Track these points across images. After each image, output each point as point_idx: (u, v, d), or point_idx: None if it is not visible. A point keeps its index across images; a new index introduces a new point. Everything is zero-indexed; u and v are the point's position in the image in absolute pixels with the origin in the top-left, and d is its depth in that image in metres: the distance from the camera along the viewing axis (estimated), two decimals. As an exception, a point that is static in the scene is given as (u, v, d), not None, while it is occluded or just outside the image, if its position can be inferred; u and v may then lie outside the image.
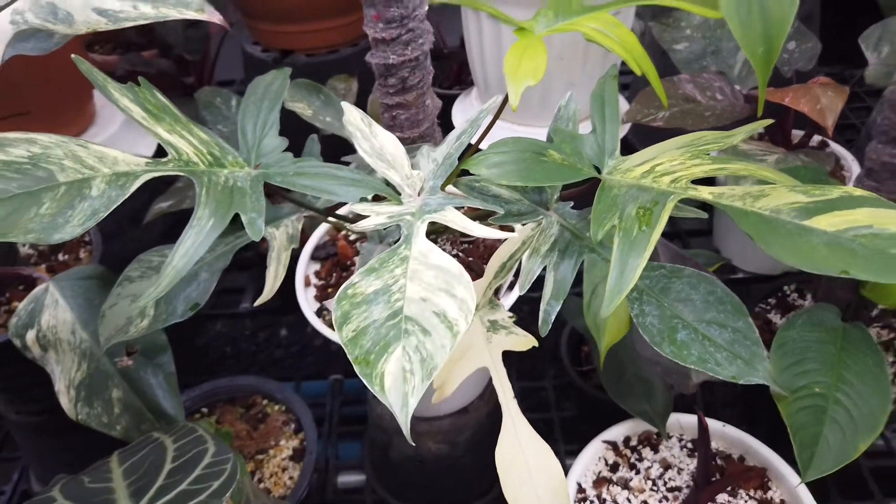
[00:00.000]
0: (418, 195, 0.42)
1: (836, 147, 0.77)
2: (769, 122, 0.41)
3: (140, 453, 0.44)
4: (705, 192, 0.37)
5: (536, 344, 0.48)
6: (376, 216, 0.39)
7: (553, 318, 0.42)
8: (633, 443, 0.64)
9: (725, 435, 0.62)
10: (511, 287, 0.57)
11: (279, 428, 0.70)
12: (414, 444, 0.68)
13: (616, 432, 0.64)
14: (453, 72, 0.95)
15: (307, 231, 0.66)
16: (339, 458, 0.83)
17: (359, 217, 0.40)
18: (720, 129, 0.65)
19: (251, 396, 0.74)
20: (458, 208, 0.40)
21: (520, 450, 0.47)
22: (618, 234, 0.36)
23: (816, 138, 0.78)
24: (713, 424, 0.62)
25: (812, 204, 0.34)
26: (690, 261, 0.54)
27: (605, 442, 0.63)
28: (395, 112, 0.52)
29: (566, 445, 0.79)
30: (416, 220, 0.39)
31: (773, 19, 0.28)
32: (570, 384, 0.80)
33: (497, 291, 0.55)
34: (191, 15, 0.42)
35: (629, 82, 1.09)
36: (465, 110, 0.78)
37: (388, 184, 0.42)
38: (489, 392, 0.71)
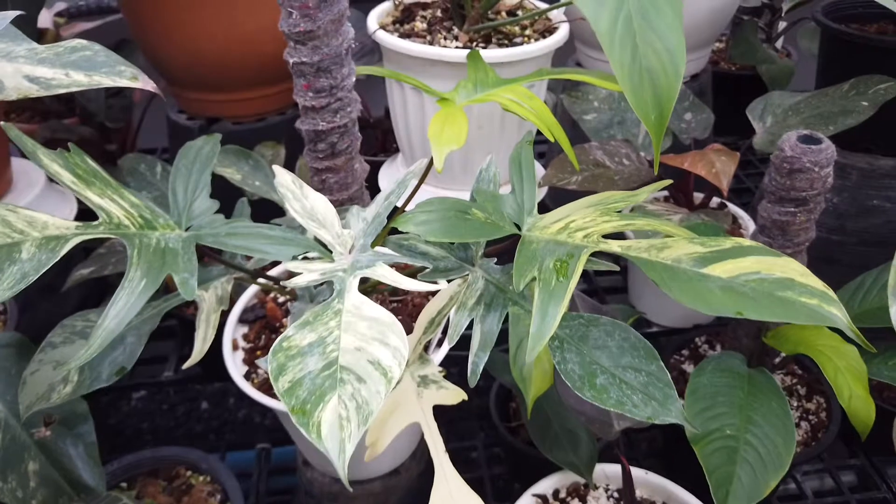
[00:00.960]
0: (349, 253, 0.44)
1: (733, 208, 0.84)
2: (669, 182, 0.45)
3: (60, 526, 0.43)
4: (615, 246, 0.40)
5: (465, 397, 0.50)
6: (309, 273, 0.41)
7: (481, 368, 0.44)
8: (562, 495, 0.65)
9: (648, 482, 0.64)
10: (440, 344, 0.58)
11: (204, 499, 0.68)
12: (345, 508, 0.67)
13: (545, 485, 0.65)
14: (378, 140, 0.99)
15: (234, 295, 0.66)
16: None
17: (292, 275, 0.41)
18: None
19: (174, 468, 0.71)
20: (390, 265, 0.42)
21: (451, 500, 0.47)
22: (538, 284, 0.38)
23: (716, 200, 0.85)
24: (637, 472, 0.64)
25: (708, 254, 0.37)
26: (608, 313, 0.58)
27: (534, 496, 0.64)
28: (324, 176, 0.54)
29: (497, 503, 0.80)
30: (348, 275, 0.40)
31: (662, 88, 0.32)
32: (500, 441, 0.81)
33: (427, 348, 0.57)
34: (124, 83, 0.43)
35: (545, 150, 1.16)
36: (391, 175, 0.81)
37: (319, 242, 0.44)
38: (420, 452, 0.71)
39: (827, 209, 0.85)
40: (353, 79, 0.51)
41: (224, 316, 0.61)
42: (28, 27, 0.72)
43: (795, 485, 0.80)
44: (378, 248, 0.46)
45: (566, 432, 0.65)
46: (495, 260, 0.49)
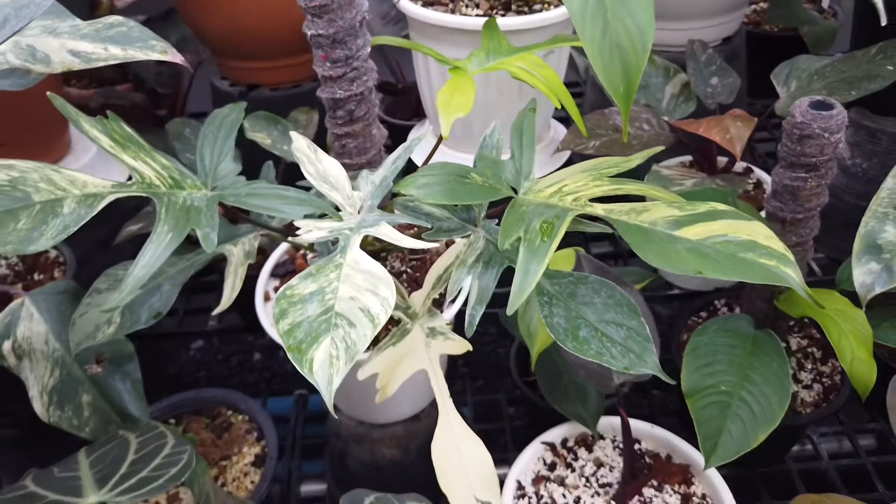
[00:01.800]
0: (358, 213, 0.48)
1: (759, 172, 0.84)
2: (660, 148, 0.47)
3: (105, 447, 0.49)
4: (599, 209, 0.43)
5: (470, 348, 0.54)
6: (318, 230, 0.45)
7: (477, 320, 0.48)
8: (570, 444, 0.69)
9: (654, 435, 0.67)
10: (454, 300, 0.62)
11: (242, 436, 0.75)
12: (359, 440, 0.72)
13: (554, 434, 0.69)
14: (412, 105, 1.02)
15: (268, 251, 0.71)
16: (303, 470, 0.87)
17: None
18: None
19: (216, 408, 0.78)
20: (394, 224, 0.46)
21: (454, 443, 0.51)
22: (523, 244, 0.41)
23: (742, 165, 0.85)
24: (642, 425, 0.68)
25: (683, 217, 0.40)
26: (611, 273, 0.60)
27: (543, 443, 0.68)
28: (343, 141, 0.58)
29: (517, 451, 0.84)
30: (353, 233, 0.44)
31: (631, 63, 0.34)
32: (522, 395, 0.85)
33: (441, 304, 0.61)
34: (155, 56, 0.47)
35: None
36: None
37: (332, 204, 0.48)
38: (439, 400, 0.75)
39: (856, 174, 0.84)
40: (368, 49, 0.54)
41: (259, 269, 0.66)
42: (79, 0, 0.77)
43: (812, 446, 0.82)
44: (384, 210, 0.49)
45: (575, 386, 0.68)
46: (497, 221, 0.52)
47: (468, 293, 0.48)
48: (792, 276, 0.35)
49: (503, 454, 0.82)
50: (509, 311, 0.40)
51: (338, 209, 0.48)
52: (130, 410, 0.58)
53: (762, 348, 0.61)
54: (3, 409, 0.73)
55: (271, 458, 0.71)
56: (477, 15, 0.69)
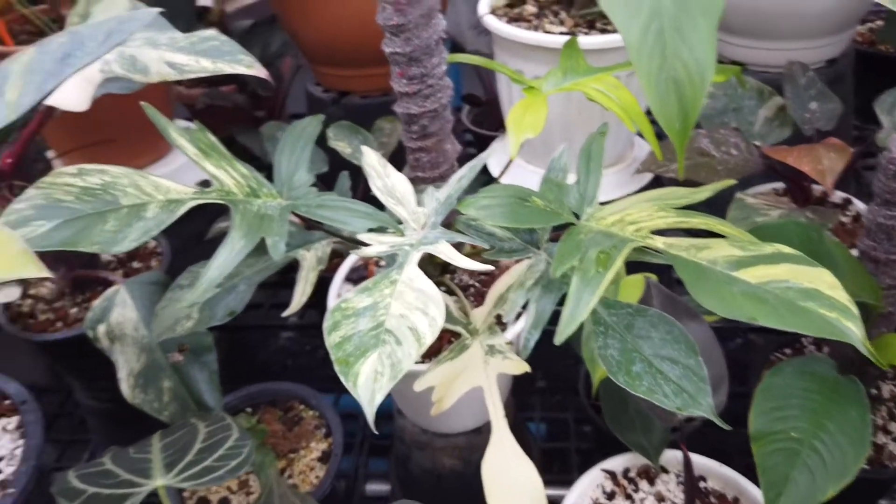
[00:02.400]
0: (421, 229, 0.49)
1: (859, 205, 0.79)
2: (732, 182, 0.45)
3: (177, 434, 0.52)
4: (659, 242, 0.42)
5: (528, 369, 0.54)
6: (379, 245, 0.46)
7: (532, 344, 0.48)
8: (632, 474, 0.67)
9: (721, 475, 0.65)
10: (518, 317, 0.62)
11: (311, 431, 0.78)
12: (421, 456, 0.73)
13: (616, 462, 0.67)
14: (498, 116, 1.02)
15: (345, 255, 0.74)
16: (370, 468, 0.89)
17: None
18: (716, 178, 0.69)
19: (290, 401, 0.81)
20: (455, 243, 0.47)
21: (504, 462, 0.52)
22: (576, 273, 0.41)
23: (840, 195, 0.80)
24: (710, 463, 0.65)
25: (745, 257, 0.38)
26: (680, 304, 0.58)
27: (604, 471, 0.67)
28: (417, 154, 0.59)
29: (580, 474, 0.83)
30: (412, 250, 0.45)
31: (688, 98, 0.33)
32: (589, 417, 0.84)
33: (503, 322, 0.61)
34: (241, 70, 0.50)
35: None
36: (500, 151, 0.85)
37: (395, 218, 0.49)
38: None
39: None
40: (444, 67, 0.55)
41: (335, 272, 0.69)
42: (188, 7, 0.83)
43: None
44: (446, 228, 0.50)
45: (640, 415, 0.67)
46: (561, 244, 0.52)
47: (525, 316, 0.49)
48: (853, 330, 0.33)
49: (566, 475, 0.82)
50: (557, 340, 0.40)
51: (402, 224, 0.49)
52: (206, 399, 0.62)
53: (842, 395, 0.58)
54: (102, 384, 0.79)
55: (336, 456, 0.73)
56: (560, 32, 0.68)
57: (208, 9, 1.08)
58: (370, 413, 0.36)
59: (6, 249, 0.30)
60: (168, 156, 0.88)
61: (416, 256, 0.45)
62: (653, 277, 0.62)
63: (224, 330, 1.03)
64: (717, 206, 0.67)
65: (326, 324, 0.39)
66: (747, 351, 1.02)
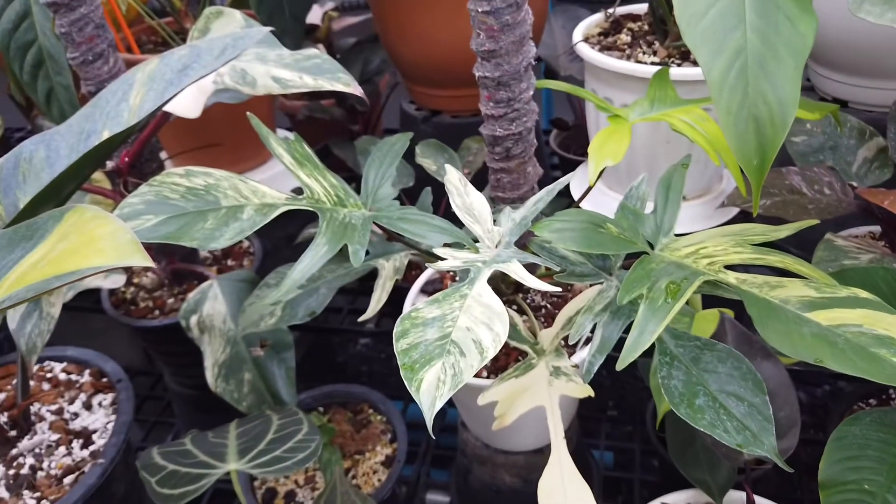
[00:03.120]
0: (496, 247, 0.51)
1: (964, 254, 0.75)
2: (815, 222, 0.45)
3: (252, 423, 0.56)
4: (731, 277, 0.42)
5: (592, 394, 0.54)
6: (453, 260, 0.48)
7: (595, 369, 0.48)
8: (693, 511, 0.66)
9: (789, 522, 0.63)
10: (587, 342, 0.62)
11: (377, 435, 0.80)
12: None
13: (678, 497, 0.66)
14: (585, 140, 1.03)
15: (423, 268, 0.76)
16: (432, 477, 0.91)
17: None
18: (822, 222, 0.68)
19: (360, 404, 0.84)
20: (528, 264, 0.48)
21: (561, 483, 0.52)
22: (644, 301, 0.42)
23: (944, 243, 0.76)
24: (776, 508, 0.63)
25: (819, 299, 0.38)
26: (756, 343, 0.57)
27: (664, 504, 0.66)
28: (499, 175, 0.61)
29: (641, 506, 0.82)
30: (484, 267, 0.47)
31: (768, 137, 0.33)
32: (655, 450, 0.83)
33: (574, 343, 0.61)
34: (339, 87, 0.54)
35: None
36: (583, 176, 0.85)
37: (471, 235, 0.51)
38: (567, 437, 0.75)
39: None
40: (531, 92, 0.57)
41: (412, 283, 0.71)
42: (297, 25, 0.88)
43: None
44: (520, 249, 0.52)
45: (707, 452, 0.65)
46: (633, 272, 0.52)
47: (591, 341, 0.49)
48: (926, 382, 0.32)
49: (629, 506, 0.81)
50: (619, 366, 0.41)
51: (477, 241, 0.51)
52: (282, 394, 0.65)
53: (926, 452, 0.55)
54: (189, 371, 0.84)
55: (399, 462, 0.75)
56: (652, 63, 0.69)
57: (317, 26, 1.14)
58: (429, 417, 0.37)
59: (117, 239, 0.34)
60: (268, 162, 0.94)
61: (487, 273, 0.46)
62: (729, 313, 0.61)
63: (305, 330, 1.08)
64: (808, 246, 0.65)
65: (396, 330, 0.41)
66: (832, 398, 0.98)
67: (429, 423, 0.37)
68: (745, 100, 0.34)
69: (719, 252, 0.45)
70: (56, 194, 0.46)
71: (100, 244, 0.34)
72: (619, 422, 1.03)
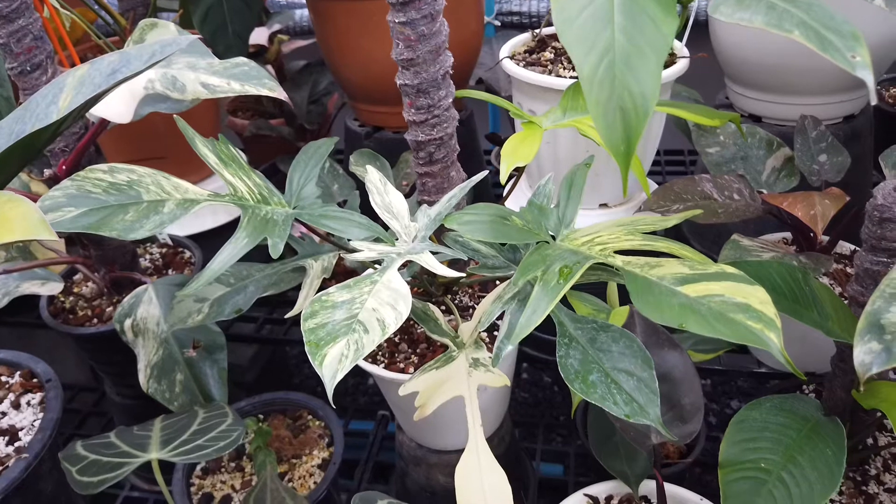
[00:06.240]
0: (412, 241, 0.54)
1: (867, 257, 0.79)
2: (698, 212, 0.48)
3: (177, 417, 0.57)
4: (618, 260, 0.45)
5: (508, 384, 0.57)
6: (369, 251, 0.51)
7: (504, 354, 0.51)
8: (614, 502, 0.69)
9: (698, 506, 0.66)
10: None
11: (315, 440, 0.81)
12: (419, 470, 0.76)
13: (599, 489, 0.69)
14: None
15: (359, 272, 0.78)
16: (376, 487, 0.92)
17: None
18: (729, 225, 0.72)
19: (299, 410, 0.85)
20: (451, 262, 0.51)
21: (478, 470, 0.55)
22: (539, 283, 0.45)
23: (850, 247, 0.81)
24: (691, 496, 0.66)
25: (691, 275, 0.41)
26: (662, 334, 0.61)
27: (586, 495, 0.68)
28: (424, 179, 0.64)
29: None
30: (398, 258, 0.50)
31: (632, 125, 0.37)
32: (589, 451, 0.85)
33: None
34: (265, 92, 0.57)
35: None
36: (518, 186, 0.89)
37: (389, 230, 0.54)
38: (498, 437, 0.78)
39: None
40: (451, 99, 0.60)
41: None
42: (241, 42, 0.91)
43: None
44: (434, 242, 0.55)
45: (625, 444, 0.68)
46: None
47: (499, 328, 0.52)
48: (773, 340, 0.35)
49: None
50: (513, 341, 0.43)
51: (395, 236, 0.54)
52: (214, 394, 0.67)
53: (821, 435, 0.58)
54: (128, 381, 0.85)
55: (334, 464, 0.77)
56: (570, 77, 0.73)
57: (266, 48, 1.17)
58: (329, 388, 0.40)
59: (28, 218, 0.36)
60: (213, 176, 0.96)
61: (399, 262, 0.49)
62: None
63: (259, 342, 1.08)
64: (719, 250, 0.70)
65: (305, 312, 0.44)
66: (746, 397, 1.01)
67: (329, 392, 0.40)
68: (613, 92, 0.37)
69: (612, 240, 0.48)
70: (-19, 189, 0.47)
71: (11, 224, 0.36)
72: (568, 434, 1.06)
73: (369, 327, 0.42)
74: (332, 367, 0.40)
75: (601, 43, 0.38)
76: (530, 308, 0.43)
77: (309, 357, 0.41)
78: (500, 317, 0.52)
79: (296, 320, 1.11)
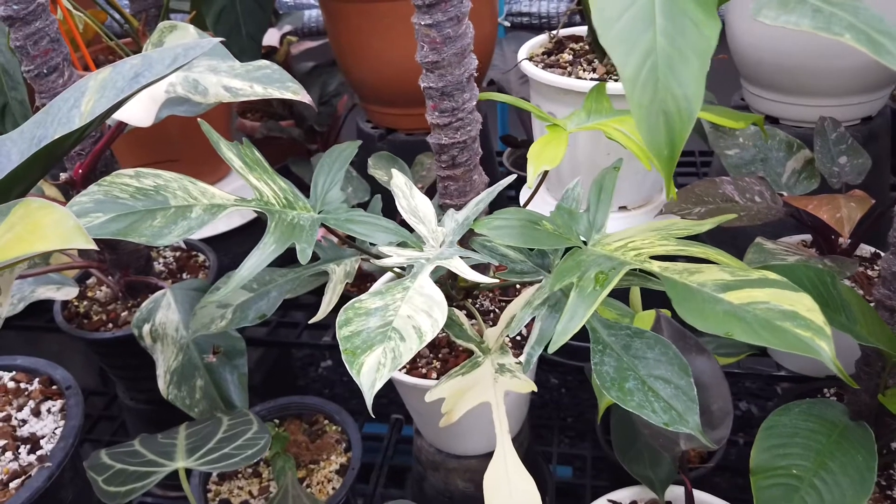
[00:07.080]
0: (440, 246, 0.53)
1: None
2: (732, 216, 0.48)
3: (202, 424, 0.56)
4: (655, 266, 0.45)
5: (535, 389, 0.56)
6: (398, 257, 0.50)
7: (534, 360, 0.51)
8: (638, 508, 0.68)
9: (727, 514, 0.65)
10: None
11: (332, 445, 0.81)
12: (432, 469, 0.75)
13: (623, 494, 0.68)
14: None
15: (377, 276, 0.78)
16: (391, 489, 0.92)
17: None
18: (751, 228, 0.71)
19: (315, 415, 0.85)
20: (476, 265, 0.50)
21: (506, 475, 0.54)
22: (575, 289, 0.44)
23: (870, 249, 0.81)
24: (715, 501, 0.65)
25: (733, 281, 0.41)
26: (689, 338, 0.60)
27: (610, 501, 0.68)
28: (446, 182, 0.64)
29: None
30: (427, 263, 0.49)
31: (676, 129, 0.36)
32: (606, 455, 0.85)
33: (523, 345, 0.64)
34: (288, 95, 0.56)
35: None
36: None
37: (417, 235, 0.53)
38: (517, 442, 0.77)
39: None
40: (474, 102, 0.60)
41: (368, 286, 0.73)
42: (254, 44, 0.90)
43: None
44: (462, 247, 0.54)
45: (649, 449, 0.68)
46: (571, 270, 0.55)
47: (530, 334, 0.51)
48: (825, 349, 0.35)
49: (580, 509, 0.82)
50: (552, 348, 0.43)
51: (422, 241, 0.53)
52: (234, 399, 0.66)
53: (850, 440, 0.58)
54: (143, 385, 0.84)
55: (353, 469, 0.76)
56: (591, 79, 0.72)
57: (276, 49, 1.17)
58: (369, 398, 0.39)
59: (62, 225, 0.35)
60: (226, 178, 0.95)
61: (430, 268, 0.48)
62: (666, 314, 0.64)
63: (267, 346, 1.08)
64: (744, 254, 0.69)
65: (339, 319, 0.43)
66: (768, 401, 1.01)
67: (368, 402, 0.39)
68: (656, 95, 0.37)
69: (646, 245, 0.47)
70: (4, 197, 0.47)
71: (45, 231, 0.35)
72: (576, 436, 1.05)
73: (405, 335, 0.42)
74: (369, 375, 0.40)
75: (643, 45, 0.38)
76: (567, 315, 0.43)
77: (346, 365, 0.40)
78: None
79: (308, 324, 1.11)
